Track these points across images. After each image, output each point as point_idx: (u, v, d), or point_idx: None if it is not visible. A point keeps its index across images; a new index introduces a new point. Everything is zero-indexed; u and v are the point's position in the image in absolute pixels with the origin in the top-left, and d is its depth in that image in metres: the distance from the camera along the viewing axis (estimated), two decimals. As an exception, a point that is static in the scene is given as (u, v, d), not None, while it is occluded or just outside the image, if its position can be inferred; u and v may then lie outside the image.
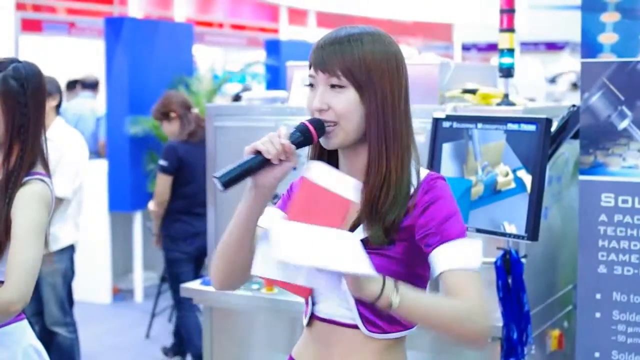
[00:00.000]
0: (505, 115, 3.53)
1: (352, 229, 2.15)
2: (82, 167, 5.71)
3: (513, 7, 3.85)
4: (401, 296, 1.95)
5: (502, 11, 3.85)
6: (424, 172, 2.18)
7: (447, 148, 3.51)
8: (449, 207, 2.11)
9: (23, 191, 2.94)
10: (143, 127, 8.37)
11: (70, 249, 5.71)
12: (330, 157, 2.23)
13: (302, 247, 1.85)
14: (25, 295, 2.81)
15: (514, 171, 3.29)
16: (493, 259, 3.54)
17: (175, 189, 6.46)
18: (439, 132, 3.55)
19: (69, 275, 5.76)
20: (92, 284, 8.39)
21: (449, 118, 3.55)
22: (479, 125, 3.42)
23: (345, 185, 1.98)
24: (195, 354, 6.49)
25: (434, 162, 3.54)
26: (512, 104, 3.88)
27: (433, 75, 4.18)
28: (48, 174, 3.06)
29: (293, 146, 2.10)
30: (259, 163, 2.08)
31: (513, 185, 3.28)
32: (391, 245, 2.11)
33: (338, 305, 2.19)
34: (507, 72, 3.89)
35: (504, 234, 3.32)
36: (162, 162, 6.47)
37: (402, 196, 2.11)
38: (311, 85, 2.17)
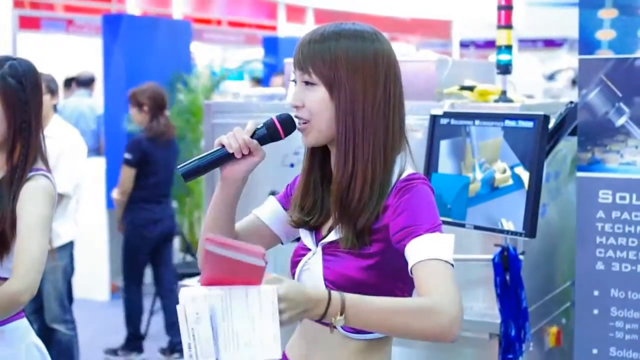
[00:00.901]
0: (502, 112, 3.53)
1: (328, 232, 2.17)
2: (80, 164, 5.71)
3: (511, 4, 3.85)
4: (348, 315, 1.86)
5: (499, 8, 3.85)
6: (408, 173, 2.13)
7: (444, 145, 3.51)
8: (418, 203, 2.04)
9: (28, 186, 2.96)
10: (140, 124, 8.37)
11: (70, 245, 5.72)
12: (326, 153, 2.22)
13: (203, 340, 1.73)
14: (32, 287, 2.85)
15: (511, 168, 3.29)
16: (491, 256, 3.55)
17: (138, 180, 6.80)
18: (436, 129, 3.55)
19: (69, 272, 5.77)
20: (90, 281, 8.39)
21: (446, 115, 3.55)
22: (477, 122, 3.42)
23: (251, 252, 1.78)
24: (134, 333, 7.04)
25: (431, 159, 3.54)
26: (510, 101, 3.88)
27: (430, 72, 4.18)
28: (48, 169, 3.07)
29: (254, 141, 2.14)
30: (222, 156, 2.14)
31: (510, 182, 3.28)
32: (365, 246, 2.09)
33: None
34: (504, 68, 3.88)
35: (501, 231, 3.31)
36: (126, 155, 6.77)
37: (373, 199, 2.08)
38: (295, 81, 2.17)
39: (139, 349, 7.05)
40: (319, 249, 2.18)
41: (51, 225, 3.02)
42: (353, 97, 2.07)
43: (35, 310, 5.58)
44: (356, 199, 2.08)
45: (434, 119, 3.56)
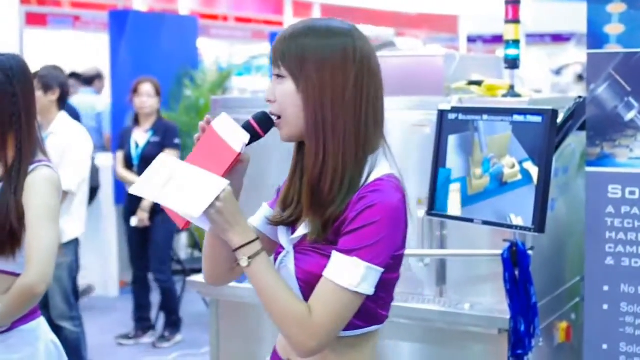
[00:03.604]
0: (511, 107, 3.51)
1: (294, 222, 2.20)
2: (86, 161, 5.70)
3: (519, -2, 3.84)
4: (252, 265, 2.06)
5: (507, 2, 3.84)
6: (378, 174, 2.13)
7: (452, 140, 3.50)
8: (365, 219, 2.05)
9: (32, 178, 2.97)
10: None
11: (75, 242, 5.70)
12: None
13: (156, 182, 2.03)
14: (47, 277, 2.91)
15: (520, 163, 3.27)
16: (499, 251, 3.53)
17: None
18: (444, 124, 3.54)
19: (74, 269, 5.76)
20: (99, 277, 8.39)
21: (454, 110, 3.54)
22: (485, 116, 3.41)
23: (237, 138, 2.08)
24: (175, 316, 7.33)
25: (439, 154, 3.53)
26: (518, 96, 3.87)
27: (438, 67, 4.17)
28: (49, 160, 3.08)
29: None
30: None
31: (519, 177, 3.27)
32: (330, 244, 2.10)
33: None
34: (512, 63, 3.87)
35: (510, 226, 3.30)
36: (177, 141, 7.06)
37: (342, 192, 2.10)
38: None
39: (179, 328, 7.31)
40: (291, 247, 2.20)
41: (59, 215, 3.03)
42: (321, 90, 2.10)
43: (41, 307, 5.57)
44: (326, 192, 2.10)
45: (442, 114, 3.55)
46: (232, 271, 2.27)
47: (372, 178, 2.11)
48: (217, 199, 2.00)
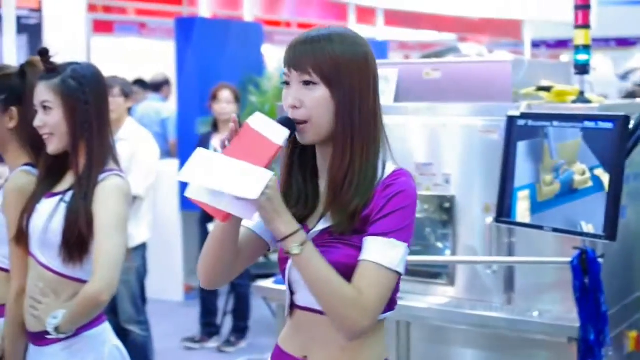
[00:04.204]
0: (581, 113, 3.48)
1: (318, 219, 2.24)
2: (154, 166, 5.77)
3: (588, 3, 3.80)
4: (304, 252, 2.09)
5: (577, 7, 3.81)
6: (391, 167, 2.23)
7: (522, 146, 3.48)
8: (397, 204, 2.16)
9: (102, 186, 3.01)
10: (214, 126, 8.43)
11: (143, 247, 5.77)
12: (305, 149, 2.28)
13: (203, 171, 2.03)
14: (111, 285, 2.93)
15: (590, 170, 3.24)
16: (568, 259, 3.50)
17: None
18: (513, 130, 3.52)
19: (142, 274, 5.83)
20: (164, 282, 8.47)
21: (523, 116, 3.51)
22: (555, 123, 3.38)
23: (277, 132, 2.12)
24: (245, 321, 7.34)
25: (508, 160, 3.51)
26: (588, 102, 3.82)
27: (506, 73, 4.13)
28: (121, 170, 3.12)
29: None
30: None
31: (590, 184, 3.24)
32: (355, 235, 2.17)
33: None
34: (582, 69, 3.84)
35: (581, 234, 3.27)
36: None
37: (365, 186, 2.17)
38: (287, 83, 2.23)
39: (245, 335, 7.35)
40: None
41: (127, 224, 3.07)
42: (352, 94, 2.17)
43: (109, 311, 5.63)
44: (352, 190, 2.17)
45: (511, 120, 3.53)
46: (230, 273, 2.31)
47: (388, 169, 2.22)
48: (267, 187, 2.03)
